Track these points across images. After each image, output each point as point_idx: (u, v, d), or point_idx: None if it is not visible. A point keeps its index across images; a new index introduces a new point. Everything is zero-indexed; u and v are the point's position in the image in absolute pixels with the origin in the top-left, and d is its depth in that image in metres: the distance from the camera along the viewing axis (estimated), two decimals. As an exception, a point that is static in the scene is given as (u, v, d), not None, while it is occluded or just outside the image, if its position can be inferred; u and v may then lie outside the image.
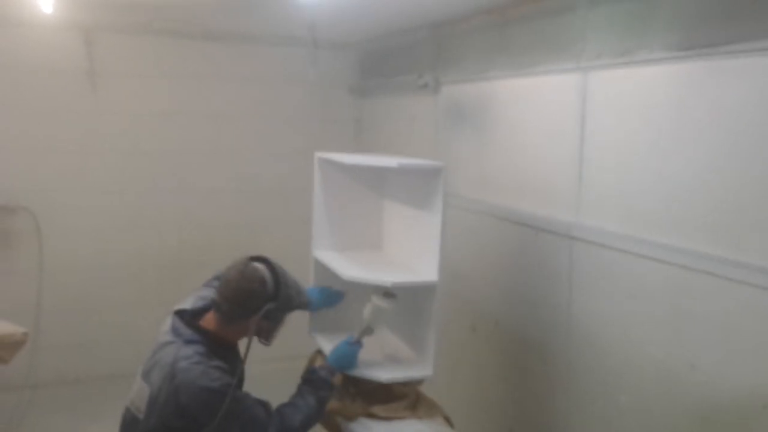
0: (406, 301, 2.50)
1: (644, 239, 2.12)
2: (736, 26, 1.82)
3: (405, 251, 2.66)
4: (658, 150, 2.08)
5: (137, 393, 2.01)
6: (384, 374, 2.35)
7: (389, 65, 4.06)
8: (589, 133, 2.37)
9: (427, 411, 2.39)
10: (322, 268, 2.63)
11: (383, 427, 2.27)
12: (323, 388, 2.19)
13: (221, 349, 2.04)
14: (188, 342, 1.98)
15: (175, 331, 2.03)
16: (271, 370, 3.30)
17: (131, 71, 3.96)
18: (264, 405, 2.05)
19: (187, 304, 2.16)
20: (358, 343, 2.35)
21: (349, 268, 2.45)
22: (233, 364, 2.04)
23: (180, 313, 2.09)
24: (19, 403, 3.51)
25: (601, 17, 2.31)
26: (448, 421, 2.43)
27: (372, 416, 2.32)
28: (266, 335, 2.12)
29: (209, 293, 2.17)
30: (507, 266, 2.87)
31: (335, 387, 2.25)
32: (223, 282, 2.04)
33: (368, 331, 2.38)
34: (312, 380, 2.21)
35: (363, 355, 2.36)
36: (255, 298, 2.02)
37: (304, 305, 2.26)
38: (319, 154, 2.69)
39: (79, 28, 3.77)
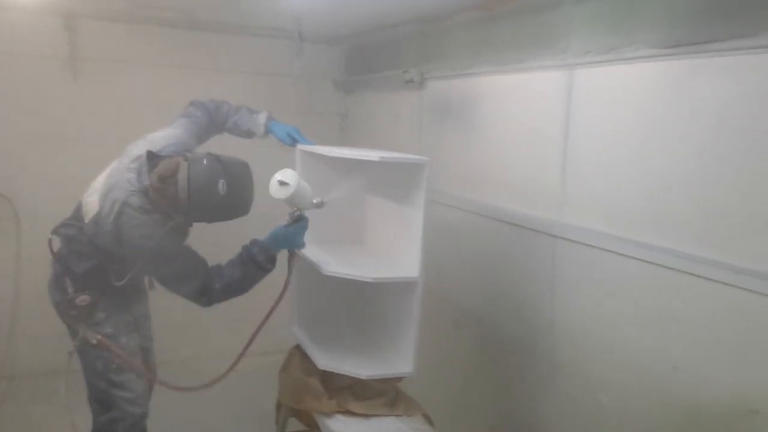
0: (387, 297, 2.48)
1: (628, 239, 2.11)
2: (721, 24, 1.81)
3: (387, 246, 2.64)
4: (643, 148, 2.06)
5: (87, 205, 2.34)
6: (363, 370, 2.32)
7: (375, 61, 4.02)
8: (574, 131, 2.35)
9: (406, 409, 2.37)
10: (301, 262, 2.59)
11: (360, 425, 2.25)
12: (248, 263, 2.27)
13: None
14: (141, 191, 2.21)
15: (139, 170, 2.24)
16: (250, 365, 3.27)
17: (113, 59, 3.88)
18: (198, 261, 2.28)
19: (159, 144, 2.34)
20: (297, 223, 2.34)
21: (329, 263, 2.42)
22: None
23: (150, 156, 2.26)
24: (-7, 393, 3.45)
25: (587, 14, 2.29)
26: (428, 419, 2.41)
27: (349, 413, 2.29)
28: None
29: (181, 134, 2.44)
30: (490, 264, 2.85)
31: (262, 265, 2.28)
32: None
33: (297, 212, 2.34)
34: (242, 254, 2.30)
35: (342, 351, 2.34)
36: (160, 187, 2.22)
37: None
38: (301, 147, 2.66)
39: (59, 13, 3.68)
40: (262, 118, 2.71)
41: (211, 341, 4.09)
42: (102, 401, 2.44)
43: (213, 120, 2.70)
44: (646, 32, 2.05)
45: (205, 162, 2.18)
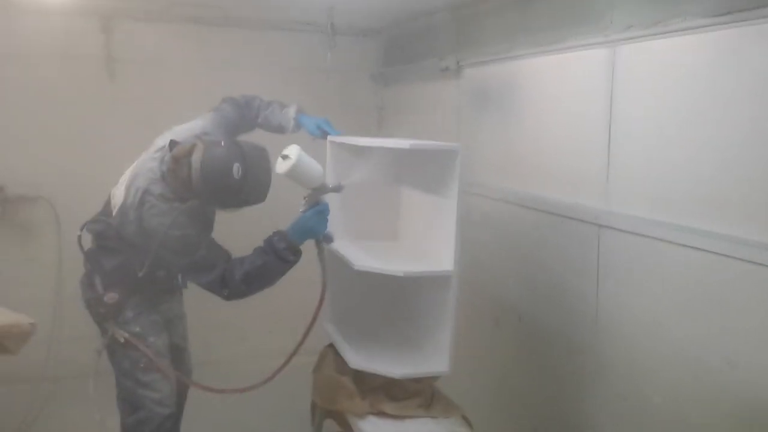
0: (421, 293, 2.37)
1: (678, 225, 1.96)
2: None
3: (422, 241, 2.54)
4: (693, 127, 1.92)
5: (114, 197, 2.34)
6: (396, 369, 2.22)
7: (411, 51, 3.93)
8: (618, 112, 2.21)
9: (442, 410, 2.26)
10: (334, 259, 2.50)
11: (394, 427, 2.15)
12: (269, 252, 2.19)
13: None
14: (163, 179, 2.22)
15: (161, 159, 2.25)
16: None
17: (149, 59, 3.89)
18: (221, 252, 2.24)
19: (183, 134, 2.32)
20: (313, 208, 2.25)
21: (360, 258, 2.33)
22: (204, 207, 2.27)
23: (172, 144, 2.24)
24: (37, 395, 3.48)
25: (630, -15, 2.14)
26: (466, 420, 2.29)
27: (382, 414, 2.20)
28: None
29: (207, 125, 2.44)
30: (531, 257, 2.71)
31: (282, 255, 2.19)
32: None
33: (312, 196, 2.25)
34: (264, 244, 2.23)
35: (376, 349, 2.24)
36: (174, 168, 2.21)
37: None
38: (331, 138, 2.57)
39: (96, 15, 3.70)
40: (291, 111, 2.66)
41: (250, 342, 4.06)
42: (129, 401, 2.41)
43: (244, 115, 2.67)
44: (693, 1, 1.89)
45: (221, 144, 2.14)
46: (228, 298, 2.23)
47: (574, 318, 2.44)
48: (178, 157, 2.17)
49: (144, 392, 2.37)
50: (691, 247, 1.91)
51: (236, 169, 2.09)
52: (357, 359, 2.31)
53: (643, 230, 2.09)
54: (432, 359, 2.31)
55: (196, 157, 2.12)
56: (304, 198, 2.26)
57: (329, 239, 2.31)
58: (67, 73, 3.74)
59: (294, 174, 2.13)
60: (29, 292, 3.62)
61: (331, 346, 2.57)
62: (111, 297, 2.35)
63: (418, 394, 2.27)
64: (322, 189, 2.25)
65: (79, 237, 2.41)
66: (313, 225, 2.25)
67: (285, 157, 2.12)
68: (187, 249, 2.19)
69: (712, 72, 1.86)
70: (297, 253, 2.23)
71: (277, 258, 2.18)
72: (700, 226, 1.89)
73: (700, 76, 1.90)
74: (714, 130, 1.84)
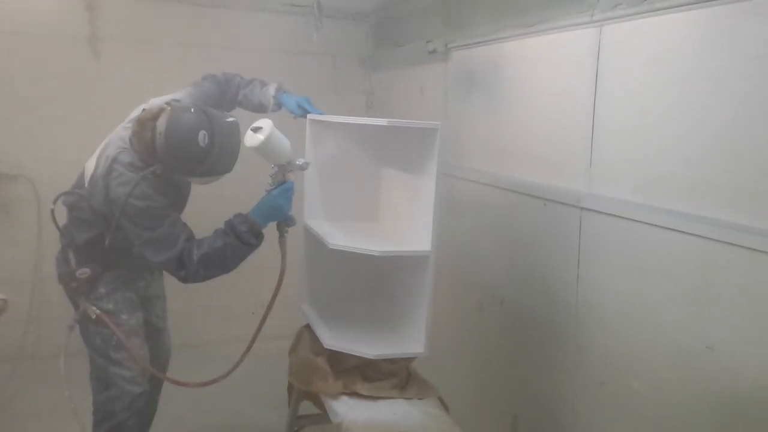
0: (399, 274, 2.33)
1: (660, 207, 1.92)
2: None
3: (401, 221, 2.49)
4: (677, 108, 1.87)
5: (86, 169, 2.26)
6: (370, 350, 2.18)
7: (399, 35, 3.88)
8: (603, 93, 2.16)
9: (417, 391, 2.22)
10: (312, 238, 2.46)
11: (366, 407, 2.10)
12: (229, 233, 2.12)
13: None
14: (133, 148, 2.16)
15: (133, 129, 2.18)
16: (264, 349, 3.18)
17: (135, 38, 3.83)
18: (184, 231, 2.16)
19: (158, 105, 2.21)
20: (280, 186, 2.19)
21: (336, 236, 2.29)
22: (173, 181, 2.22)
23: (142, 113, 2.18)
24: (15, 374, 3.44)
25: (617, -39, 2.09)
26: (442, 402, 2.26)
27: (356, 395, 2.16)
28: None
29: (183, 97, 2.38)
30: (515, 241, 2.67)
31: (243, 237, 2.12)
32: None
33: (278, 174, 2.19)
34: (225, 226, 2.16)
35: (352, 330, 2.20)
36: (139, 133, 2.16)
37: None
38: (311, 116, 2.52)
39: (80, -8, 3.65)
40: (271, 89, 2.61)
41: (233, 326, 4.01)
42: (101, 379, 2.37)
43: (224, 92, 2.62)
44: (682, -23, 1.85)
45: (190, 110, 2.09)
46: (184, 280, 2.16)
47: (555, 302, 2.40)
48: (143, 120, 2.12)
49: (115, 369, 2.33)
50: (674, 230, 1.86)
51: (202, 136, 2.04)
52: (332, 340, 2.27)
53: (625, 213, 2.05)
54: (408, 341, 2.27)
55: (161, 121, 2.07)
56: (270, 176, 2.20)
57: (291, 222, 2.24)
58: (51, 51, 3.68)
59: (264, 148, 2.07)
60: (8, 271, 3.57)
61: (308, 326, 2.53)
62: (83, 272, 2.30)
63: (393, 375, 2.23)
64: (288, 166, 2.19)
65: (52, 211, 2.33)
66: (280, 204, 2.18)
67: (256, 130, 2.07)
68: (148, 221, 2.11)
69: (698, 52, 1.81)
70: (259, 237, 2.17)
71: (238, 241, 2.12)
72: (684, 209, 1.85)
73: (686, 55, 1.85)
74: (700, 111, 1.80)
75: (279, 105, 2.61)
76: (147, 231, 2.12)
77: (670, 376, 1.90)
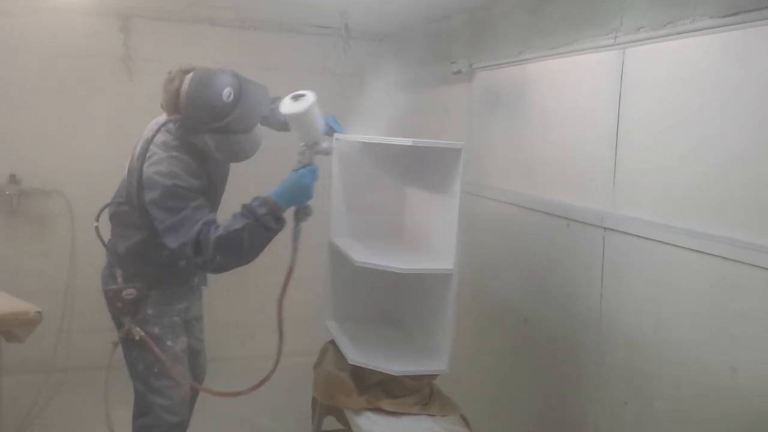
0: (422, 291, 2.36)
1: (683, 228, 1.93)
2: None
3: (425, 239, 2.52)
4: (701, 130, 1.89)
5: (127, 169, 2.28)
6: (394, 366, 2.21)
7: (425, 55, 3.93)
8: (626, 114, 2.19)
9: (440, 408, 2.24)
10: (337, 255, 2.51)
11: (390, 423, 2.13)
12: (248, 215, 2.05)
13: (192, 147, 2.17)
14: (167, 129, 2.18)
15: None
16: (289, 364, 3.21)
17: (167, 58, 3.90)
18: (205, 215, 2.10)
19: None
20: (307, 167, 2.16)
21: (362, 254, 2.33)
22: (206, 165, 2.21)
23: None
24: (45, 385, 3.51)
25: (641, -14, 2.13)
26: (464, 420, 2.27)
27: (379, 411, 2.18)
28: (206, 150, 2.17)
29: None
30: (537, 260, 2.69)
31: (263, 220, 2.04)
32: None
33: (305, 154, 2.17)
34: (242, 209, 2.10)
35: (376, 346, 2.23)
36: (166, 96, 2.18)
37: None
38: (337, 135, 2.58)
39: (115, 14, 3.77)
40: None
41: (257, 342, 4.06)
42: (139, 404, 2.34)
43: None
44: (704, 1, 1.87)
45: (222, 69, 2.11)
46: (201, 266, 2.11)
47: (578, 321, 2.41)
48: (174, 72, 2.14)
49: (154, 398, 2.29)
50: (697, 251, 1.87)
51: (227, 93, 2.05)
52: (356, 355, 2.30)
53: (649, 233, 2.06)
54: (431, 358, 2.30)
55: (192, 74, 2.10)
56: (298, 155, 2.18)
57: (310, 210, 2.18)
58: (86, 70, 3.80)
59: (302, 119, 2.08)
60: (41, 283, 3.67)
61: (332, 342, 2.57)
62: (129, 293, 2.25)
63: (416, 391, 2.26)
64: (315, 147, 2.18)
65: (96, 228, 2.32)
66: (307, 184, 2.13)
67: (297, 98, 2.07)
68: (172, 202, 2.07)
69: (719, 74, 1.83)
70: (280, 221, 2.08)
71: (257, 223, 2.03)
72: (707, 229, 1.85)
73: (708, 78, 1.87)
74: (722, 132, 1.81)
75: None
76: (170, 215, 2.07)
77: (693, 397, 1.90)
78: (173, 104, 2.13)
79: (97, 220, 2.35)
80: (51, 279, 3.80)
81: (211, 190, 2.30)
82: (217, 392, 2.36)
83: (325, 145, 2.21)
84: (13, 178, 3.73)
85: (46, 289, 3.64)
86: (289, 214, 2.17)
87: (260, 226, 2.03)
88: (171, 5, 3.71)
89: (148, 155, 2.13)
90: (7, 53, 3.67)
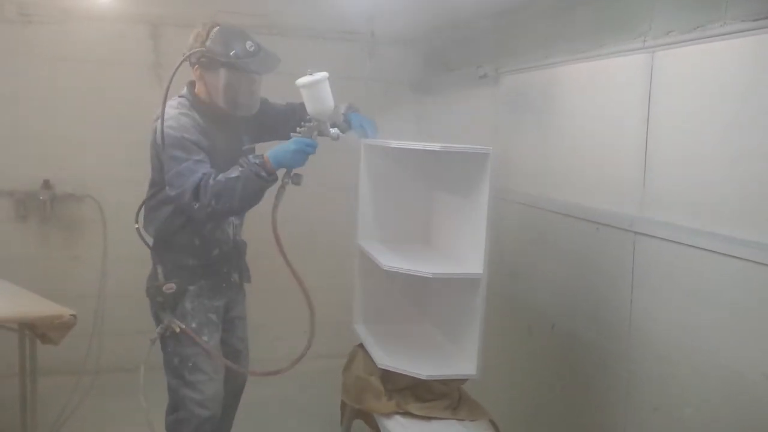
0: (450, 295, 2.37)
1: (714, 233, 1.92)
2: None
3: (453, 243, 2.53)
4: (731, 134, 1.88)
5: None
6: (423, 370, 2.22)
7: (451, 59, 3.94)
8: (655, 119, 2.18)
9: (469, 413, 2.25)
10: (366, 259, 2.53)
11: (419, 428, 2.14)
12: (243, 165, 2.21)
13: (204, 107, 2.38)
14: (181, 95, 2.40)
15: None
16: (318, 367, 3.24)
17: (196, 66, 3.99)
18: (205, 168, 2.25)
19: None
20: (304, 139, 2.28)
21: (390, 258, 2.34)
22: (214, 124, 2.39)
23: None
24: (78, 387, 3.58)
25: (670, -10, 2.12)
26: (493, 425, 2.27)
27: (408, 414, 2.19)
28: (215, 92, 2.35)
29: None
30: (566, 265, 2.68)
31: (256, 170, 2.19)
32: None
33: (310, 129, 2.29)
34: (241, 159, 2.25)
35: (404, 350, 2.24)
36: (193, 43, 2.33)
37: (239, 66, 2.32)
38: (365, 141, 2.60)
39: (145, 21, 3.85)
40: (342, 108, 2.64)
41: (285, 342, 4.09)
42: (172, 400, 2.42)
43: (288, 120, 2.66)
44: (735, 4, 1.87)
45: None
46: (197, 213, 2.22)
47: (607, 326, 2.40)
48: (198, 29, 2.32)
49: (186, 392, 2.37)
50: (728, 256, 1.86)
51: (250, 44, 2.31)
52: (385, 359, 2.32)
53: (679, 238, 2.05)
54: (460, 362, 2.30)
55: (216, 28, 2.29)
56: (303, 123, 2.30)
57: (297, 179, 2.30)
58: (117, 77, 3.87)
59: (309, 90, 2.25)
60: (74, 287, 3.76)
61: (361, 346, 2.58)
62: (169, 287, 2.38)
63: (445, 396, 2.26)
64: (322, 125, 2.31)
65: (138, 229, 2.49)
66: (296, 149, 2.24)
67: (312, 73, 2.26)
68: (178, 152, 2.23)
69: (750, 77, 1.82)
70: (271, 175, 2.23)
71: (249, 172, 2.19)
72: (737, 234, 1.84)
73: (738, 81, 1.86)
74: (752, 136, 1.80)
75: (348, 123, 2.62)
76: (175, 163, 2.23)
77: (723, 403, 1.88)
78: (199, 43, 2.31)
79: (137, 221, 2.49)
80: (83, 283, 3.88)
81: (217, 153, 2.39)
82: (257, 372, 2.51)
83: (333, 131, 2.33)
84: (46, 184, 3.82)
85: (79, 293, 3.71)
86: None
87: (252, 174, 2.20)
88: (199, 13, 3.76)
89: (165, 117, 2.28)
90: (41, 61, 3.77)
